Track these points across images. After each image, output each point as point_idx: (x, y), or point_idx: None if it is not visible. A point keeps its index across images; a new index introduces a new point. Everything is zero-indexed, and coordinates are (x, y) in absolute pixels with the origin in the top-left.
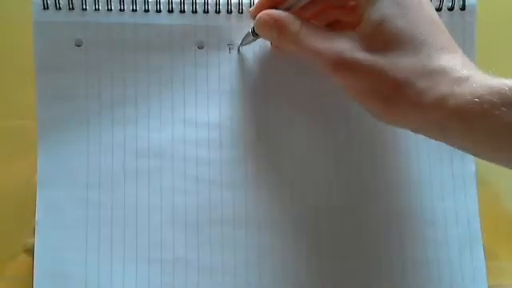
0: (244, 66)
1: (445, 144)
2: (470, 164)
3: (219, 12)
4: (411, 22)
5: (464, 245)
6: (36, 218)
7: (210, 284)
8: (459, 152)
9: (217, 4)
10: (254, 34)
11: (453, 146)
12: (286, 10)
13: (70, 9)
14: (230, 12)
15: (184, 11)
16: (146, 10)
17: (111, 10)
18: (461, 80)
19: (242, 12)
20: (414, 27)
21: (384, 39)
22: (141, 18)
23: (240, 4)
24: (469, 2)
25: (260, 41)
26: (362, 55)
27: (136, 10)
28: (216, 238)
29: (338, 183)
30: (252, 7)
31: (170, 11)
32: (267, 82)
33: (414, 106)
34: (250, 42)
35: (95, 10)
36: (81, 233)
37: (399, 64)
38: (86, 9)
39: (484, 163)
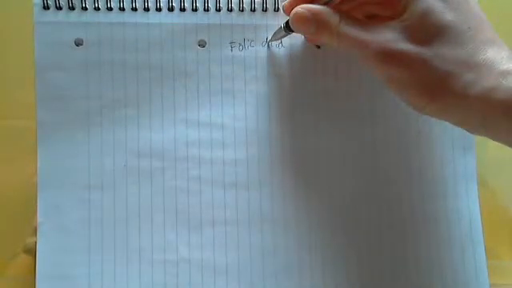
0: (250, 65)
1: (445, 144)
2: (471, 164)
3: (220, 10)
4: (458, 15)
5: (466, 244)
6: (37, 220)
7: (213, 284)
8: (461, 152)
9: (217, 2)
10: (287, 29)
11: (495, 139)
12: (324, 4)
13: (70, 8)
14: (230, 10)
15: (185, 9)
16: (147, 9)
17: (111, 9)
18: (507, 73)
19: (242, 10)
20: (461, 20)
21: (430, 31)
22: (141, 16)
23: (241, 2)
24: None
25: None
26: (407, 46)
27: (136, 8)
28: (220, 239)
29: (346, 183)
30: (286, 2)
31: (171, 9)
32: (270, 81)
33: (459, 99)
34: (281, 38)
35: (95, 9)
36: (83, 234)
37: (445, 56)
38: (86, 8)
39: (484, 163)
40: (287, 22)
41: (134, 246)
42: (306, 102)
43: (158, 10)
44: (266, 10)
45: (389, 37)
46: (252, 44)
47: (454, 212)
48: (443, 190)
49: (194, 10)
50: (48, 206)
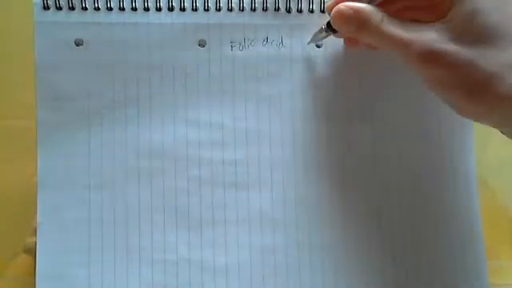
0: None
1: (445, 144)
2: (471, 164)
3: (220, 9)
4: (504, 17)
5: (466, 244)
6: (37, 220)
7: (213, 284)
8: (460, 152)
9: (218, 1)
10: (328, 29)
11: None
12: (368, 3)
13: (70, 8)
14: (231, 9)
15: (184, 9)
16: (146, 9)
17: (111, 9)
18: None
19: (243, 9)
20: (507, 23)
21: (476, 32)
22: (141, 16)
23: (241, 1)
24: None
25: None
26: (451, 47)
27: (136, 8)
28: (220, 239)
29: (346, 183)
30: (330, 2)
31: (171, 9)
32: (270, 81)
33: (503, 100)
34: (321, 39)
35: (95, 9)
36: (83, 234)
37: (490, 58)
38: (86, 8)
39: (484, 163)
40: (329, 22)
41: (133, 246)
42: (306, 102)
43: (158, 9)
44: (266, 10)
45: (433, 37)
46: (252, 44)
47: (454, 212)
48: (443, 190)
49: (194, 9)
50: (48, 206)
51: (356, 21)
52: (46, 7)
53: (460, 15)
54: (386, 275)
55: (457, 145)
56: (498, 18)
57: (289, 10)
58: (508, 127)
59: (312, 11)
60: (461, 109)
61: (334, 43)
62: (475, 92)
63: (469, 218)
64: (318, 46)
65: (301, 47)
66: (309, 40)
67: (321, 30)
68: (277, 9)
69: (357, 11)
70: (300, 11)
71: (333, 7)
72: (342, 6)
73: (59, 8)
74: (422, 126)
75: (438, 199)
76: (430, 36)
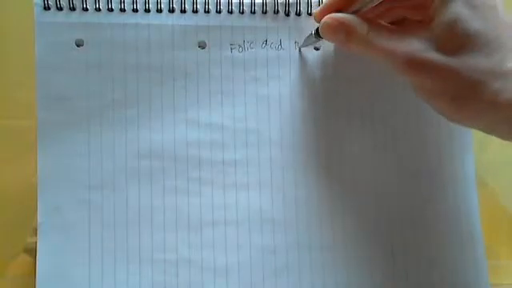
0: (250, 67)
1: (444, 144)
2: (470, 164)
3: (220, 12)
4: (486, 23)
5: (466, 244)
6: (37, 220)
7: (213, 284)
8: (459, 152)
9: (218, 4)
10: (317, 36)
11: None
12: (354, 12)
13: (70, 9)
14: (231, 12)
15: (185, 11)
16: (147, 10)
17: (112, 10)
18: None
19: (243, 12)
20: (489, 29)
21: (458, 40)
22: (142, 17)
23: (241, 4)
24: None
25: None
26: (434, 55)
27: (137, 10)
28: (220, 239)
29: (346, 183)
30: (317, 9)
31: (171, 11)
32: (269, 83)
33: (488, 106)
34: (312, 43)
35: (96, 10)
36: (83, 234)
37: (474, 65)
38: (86, 9)
39: (484, 164)
40: (318, 29)
41: (133, 246)
42: (305, 103)
43: (159, 11)
44: (265, 13)
45: (417, 46)
46: (252, 46)
47: (453, 212)
48: (442, 191)
49: (195, 11)
50: (48, 206)
51: (343, 32)
52: (47, 7)
53: (442, 23)
54: (386, 275)
55: (456, 145)
56: (479, 25)
57: (288, 13)
58: (496, 133)
59: (310, 14)
60: (448, 115)
61: (331, 44)
62: (460, 99)
63: (468, 218)
64: (317, 48)
65: (299, 49)
66: (301, 44)
67: (310, 36)
68: (276, 12)
69: (343, 23)
70: (298, 14)
71: (320, 16)
72: (328, 18)
73: (60, 8)
74: (422, 127)
75: (438, 199)
76: (413, 45)
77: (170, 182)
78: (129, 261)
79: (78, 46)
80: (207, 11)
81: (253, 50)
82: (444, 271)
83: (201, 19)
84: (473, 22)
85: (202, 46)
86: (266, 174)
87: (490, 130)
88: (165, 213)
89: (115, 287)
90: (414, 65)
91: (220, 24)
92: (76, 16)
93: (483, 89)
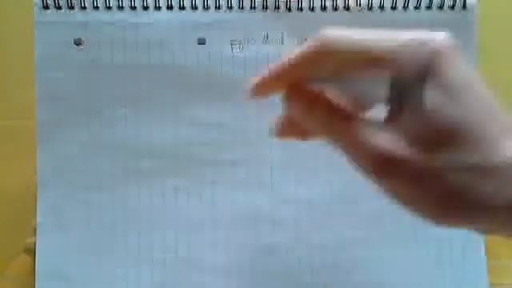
0: (250, 64)
1: None
2: None
3: (220, 8)
4: (463, 110)
5: (466, 244)
6: (37, 220)
7: (213, 284)
8: None
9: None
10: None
11: None
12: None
13: (69, 8)
14: (230, 8)
15: (184, 7)
16: (146, 7)
17: (110, 7)
18: None
19: (242, 8)
20: (467, 116)
21: (434, 135)
22: (140, 15)
23: (241, 0)
24: (469, 1)
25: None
26: (410, 155)
27: (135, 7)
28: (220, 239)
29: (346, 183)
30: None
31: (170, 8)
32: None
33: (481, 211)
34: None
35: (94, 8)
36: (82, 234)
37: (457, 163)
38: (85, 7)
39: None
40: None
41: (133, 246)
42: None
43: (158, 8)
44: (266, 8)
45: (387, 143)
46: (252, 42)
47: None
48: None
49: (194, 8)
50: (48, 206)
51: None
52: (46, 7)
53: (414, 116)
54: (386, 274)
55: None
56: (454, 112)
57: (289, 9)
58: (496, 234)
59: (313, 9)
60: (435, 221)
61: None
62: (445, 204)
63: None
64: None
65: (301, 45)
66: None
67: None
68: (277, 7)
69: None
70: (300, 9)
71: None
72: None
73: (59, 7)
74: None
75: None
76: (383, 142)
77: (170, 182)
78: (128, 260)
79: (77, 44)
80: (206, 7)
81: (253, 46)
82: (445, 270)
83: (200, 15)
84: (447, 109)
85: (201, 42)
86: (266, 173)
87: (490, 232)
88: (165, 212)
89: (114, 287)
90: (385, 167)
91: (220, 20)
92: (75, 15)
93: (471, 192)
